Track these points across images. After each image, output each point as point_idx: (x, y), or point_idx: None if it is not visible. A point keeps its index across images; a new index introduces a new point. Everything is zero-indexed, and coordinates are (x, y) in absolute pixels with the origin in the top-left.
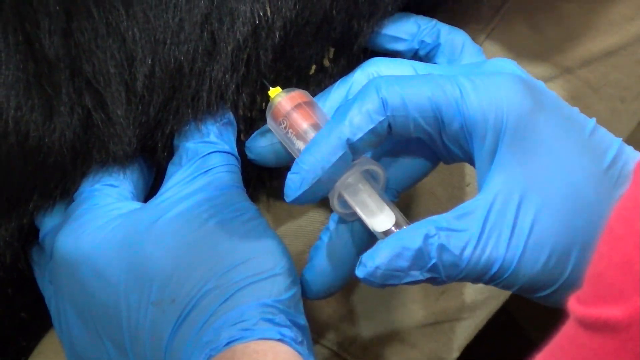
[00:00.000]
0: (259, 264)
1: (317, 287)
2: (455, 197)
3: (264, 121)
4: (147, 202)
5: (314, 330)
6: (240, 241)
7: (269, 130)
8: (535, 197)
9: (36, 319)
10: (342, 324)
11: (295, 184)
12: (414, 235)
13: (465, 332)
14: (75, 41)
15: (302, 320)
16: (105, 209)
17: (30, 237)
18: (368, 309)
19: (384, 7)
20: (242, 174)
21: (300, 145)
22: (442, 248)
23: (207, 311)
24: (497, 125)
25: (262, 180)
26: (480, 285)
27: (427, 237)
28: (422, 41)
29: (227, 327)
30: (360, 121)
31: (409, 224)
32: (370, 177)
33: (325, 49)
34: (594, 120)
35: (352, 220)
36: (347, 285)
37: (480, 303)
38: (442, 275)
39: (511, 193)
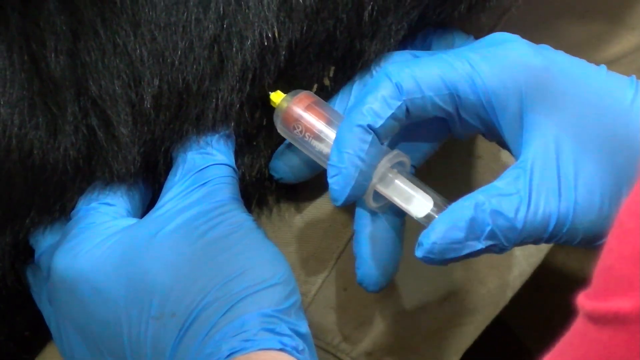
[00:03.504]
0: (257, 274)
1: (376, 277)
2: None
3: (264, 135)
4: (145, 216)
5: (317, 336)
6: (238, 252)
7: (286, 149)
8: (572, 146)
9: (39, 335)
10: (345, 330)
11: (339, 185)
12: (465, 206)
13: (465, 337)
14: (81, 61)
15: (304, 328)
16: (102, 226)
17: (22, 256)
18: (371, 315)
19: (387, 26)
20: (244, 186)
21: (321, 147)
22: (495, 213)
23: (208, 323)
24: (517, 89)
25: (265, 194)
26: (482, 291)
27: (477, 205)
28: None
29: (228, 338)
30: (378, 108)
31: (448, 203)
32: (398, 166)
33: (327, 67)
34: (603, 66)
35: (384, 212)
36: (353, 292)
37: (481, 308)
38: (501, 240)
39: (548, 148)
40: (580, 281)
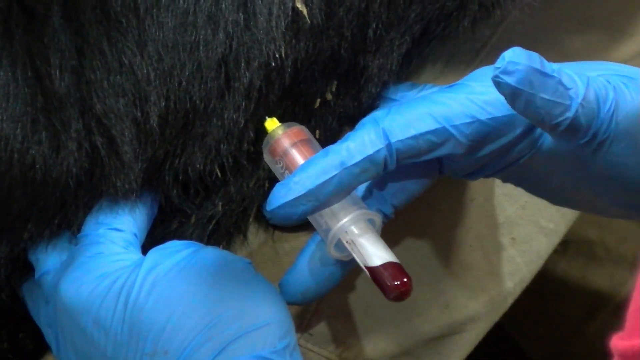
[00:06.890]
0: (251, 314)
1: (292, 290)
2: (458, 211)
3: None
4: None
5: (321, 345)
6: (233, 291)
7: None
8: None
9: (42, 347)
10: (347, 338)
11: (279, 193)
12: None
13: (466, 343)
14: (86, 78)
15: None
16: (109, 259)
17: (19, 271)
18: (373, 323)
19: (390, 41)
20: (242, 198)
21: None
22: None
23: None
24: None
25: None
26: (483, 298)
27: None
28: None
29: None
30: (355, 148)
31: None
32: (368, 222)
33: (330, 83)
34: None
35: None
36: (356, 300)
37: (482, 315)
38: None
39: None
40: (581, 290)
